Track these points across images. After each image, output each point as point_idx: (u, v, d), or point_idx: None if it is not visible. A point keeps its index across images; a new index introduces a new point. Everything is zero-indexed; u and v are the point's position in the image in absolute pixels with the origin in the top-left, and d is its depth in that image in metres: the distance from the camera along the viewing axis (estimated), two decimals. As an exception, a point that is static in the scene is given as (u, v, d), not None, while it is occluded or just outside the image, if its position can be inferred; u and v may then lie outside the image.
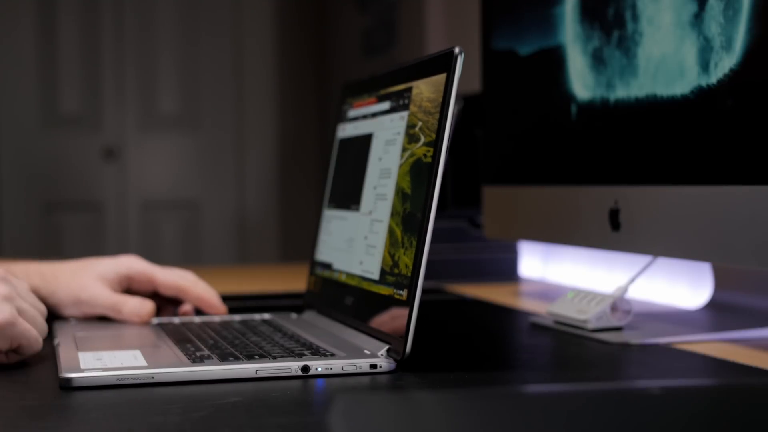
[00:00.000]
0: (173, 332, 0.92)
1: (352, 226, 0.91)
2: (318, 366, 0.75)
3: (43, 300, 1.00)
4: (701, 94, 0.88)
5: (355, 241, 0.90)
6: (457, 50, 0.78)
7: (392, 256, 0.81)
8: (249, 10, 3.91)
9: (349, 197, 0.94)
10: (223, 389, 0.72)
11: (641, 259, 1.04)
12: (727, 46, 0.84)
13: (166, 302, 1.05)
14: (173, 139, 3.88)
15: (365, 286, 0.86)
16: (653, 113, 0.94)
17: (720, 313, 1.03)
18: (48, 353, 0.83)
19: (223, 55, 3.90)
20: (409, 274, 0.77)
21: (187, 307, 1.04)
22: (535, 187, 1.16)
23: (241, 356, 0.78)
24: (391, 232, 0.83)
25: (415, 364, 0.77)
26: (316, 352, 0.79)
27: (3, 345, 0.78)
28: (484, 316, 1.13)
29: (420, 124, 0.82)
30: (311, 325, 0.94)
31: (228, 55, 3.91)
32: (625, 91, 0.98)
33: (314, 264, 1.02)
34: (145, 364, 0.76)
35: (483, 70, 1.28)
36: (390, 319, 0.79)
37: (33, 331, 0.81)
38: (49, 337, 0.91)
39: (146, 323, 0.98)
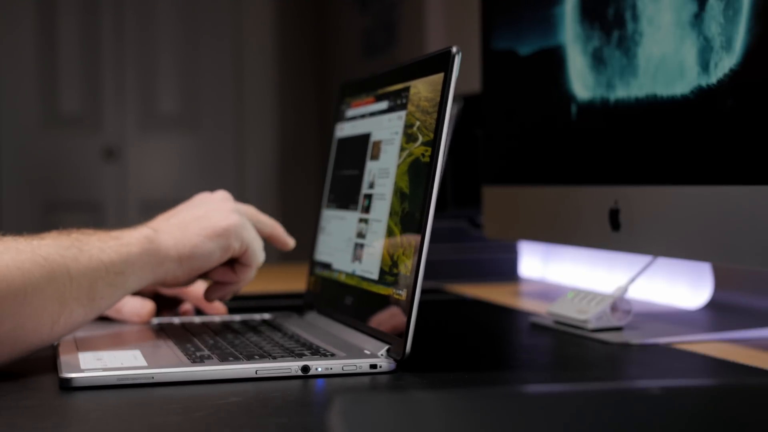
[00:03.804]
0: (173, 332, 0.92)
1: (351, 226, 0.91)
2: (318, 366, 0.75)
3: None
4: (701, 94, 0.88)
5: (353, 240, 0.90)
6: (454, 50, 0.78)
7: (391, 256, 0.81)
8: (249, 10, 3.91)
9: (347, 197, 0.94)
10: (223, 389, 0.72)
11: (641, 259, 1.04)
12: (727, 46, 0.84)
13: (166, 302, 1.05)
14: (173, 139, 3.88)
15: (365, 286, 0.86)
16: (653, 113, 0.94)
17: (720, 313, 1.03)
18: (48, 353, 0.83)
19: (223, 55, 3.90)
20: (409, 274, 0.77)
21: (187, 307, 1.04)
22: (535, 187, 1.16)
23: (241, 356, 0.78)
24: (389, 232, 0.82)
25: (415, 364, 0.77)
26: (316, 352, 0.79)
27: (235, 245, 0.91)
28: (484, 316, 1.13)
29: (418, 123, 0.82)
30: (311, 325, 0.94)
31: (228, 55, 3.91)
32: (625, 91, 0.98)
33: (314, 264, 1.02)
34: (145, 364, 0.76)
35: (483, 70, 1.28)
36: (390, 319, 0.79)
37: (260, 240, 0.95)
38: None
39: (146, 323, 0.98)
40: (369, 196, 0.89)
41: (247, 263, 0.94)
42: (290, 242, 1.01)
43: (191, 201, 0.96)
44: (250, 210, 0.97)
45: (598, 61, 1.02)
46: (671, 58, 0.91)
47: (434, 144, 0.78)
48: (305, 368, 0.75)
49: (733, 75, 0.84)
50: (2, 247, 0.76)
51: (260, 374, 0.75)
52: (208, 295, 0.97)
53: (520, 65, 1.18)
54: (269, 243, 0.99)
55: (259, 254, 0.95)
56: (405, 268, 0.78)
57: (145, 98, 3.86)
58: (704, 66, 0.87)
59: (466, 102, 1.43)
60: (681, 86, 0.90)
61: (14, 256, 0.75)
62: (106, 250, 0.82)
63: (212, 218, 0.91)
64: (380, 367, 0.76)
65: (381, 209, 0.85)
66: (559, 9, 1.09)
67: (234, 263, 0.95)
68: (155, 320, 0.99)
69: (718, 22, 0.85)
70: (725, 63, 0.85)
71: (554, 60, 1.10)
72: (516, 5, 1.20)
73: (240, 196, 4.47)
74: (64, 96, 3.81)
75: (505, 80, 1.23)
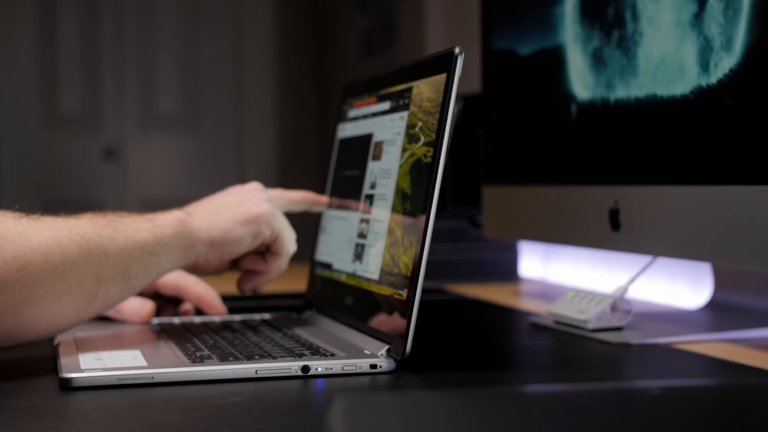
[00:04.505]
0: (173, 332, 0.92)
1: (352, 227, 0.91)
2: (318, 366, 0.75)
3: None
4: (701, 94, 0.88)
5: (354, 241, 0.90)
6: (457, 50, 0.78)
7: (392, 256, 0.81)
8: (249, 10, 3.91)
9: (349, 197, 0.94)
10: (223, 389, 0.72)
11: (641, 259, 1.04)
12: (727, 46, 0.84)
13: (166, 302, 1.05)
14: (173, 139, 3.88)
15: (365, 286, 0.86)
16: (653, 113, 0.94)
17: (720, 313, 1.03)
18: (48, 353, 0.83)
19: (223, 54, 3.90)
20: (409, 274, 0.77)
21: (187, 307, 1.04)
22: (535, 187, 1.16)
23: (241, 356, 0.78)
24: (391, 232, 0.83)
25: (415, 364, 0.77)
26: (316, 352, 0.79)
27: (265, 231, 0.93)
28: (484, 316, 1.13)
29: (420, 124, 0.82)
30: (311, 325, 0.94)
31: (228, 55, 3.91)
32: (625, 91, 0.98)
33: (314, 264, 1.02)
34: (145, 364, 0.76)
35: (483, 70, 1.28)
36: (390, 319, 0.79)
37: (292, 231, 0.96)
38: (49, 338, 0.91)
39: (146, 323, 0.98)
40: (370, 197, 0.89)
41: (277, 251, 0.96)
42: (323, 200, 1.01)
43: (225, 191, 0.98)
44: (279, 193, 0.98)
45: (598, 61, 1.02)
46: (671, 58, 0.91)
47: (436, 144, 0.78)
48: (305, 368, 0.75)
49: (733, 75, 0.84)
50: (41, 225, 0.78)
51: (260, 374, 0.75)
52: (242, 285, 0.98)
53: (520, 65, 1.18)
54: (308, 212, 1.01)
55: (289, 243, 0.96)
56: (406, 268, 0.78)
57: (145, 98, 3.86)
58: (704, 66, 0.87)
59: (466, 102, 1.43)
60: (681, 86, 0.90)
61: (53, 234, 0.78)
62: (141, 231, 0.84)
63: (244, 205, 0.93)
64: (380, 367, 0.76)
65: (382, 209, 0.85)
66: (559, 9, 1.09)
67: (265, 252, 0.96)
68: (155, 320, 0.99)
69: (718, 22, 0.85)
70: (725, 63, 0.85)
71: (554, 60, 1.10)
72: (516, 5, 1.20)
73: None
74: (64, 96, 3.81)
75: (505, 80, 1.23)
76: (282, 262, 0.97)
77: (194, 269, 0.93)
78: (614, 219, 0.99)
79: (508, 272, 1.46)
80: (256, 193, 0.96)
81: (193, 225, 0.89)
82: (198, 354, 0.80)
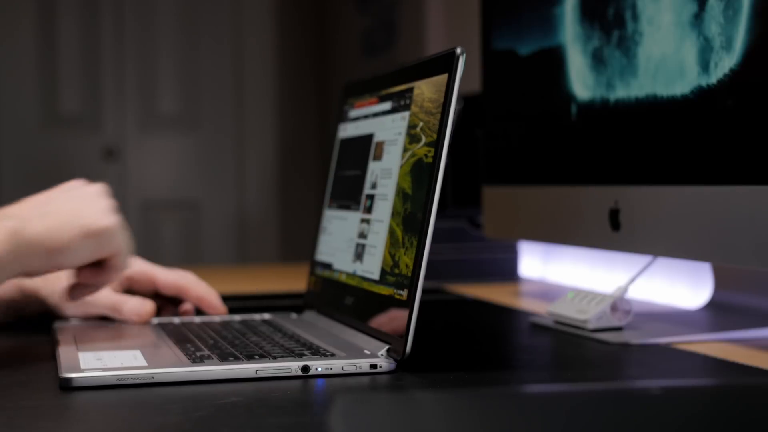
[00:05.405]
0: (173, 332, 0.92)
1: (353, 226, 0.91)
2: (318, 366, 0.75)
3: (43, 300, 1.00)
4: (701, 94, 0.88)
5: (354, 240, 0.90)
6: (458, 51, 0.78)
7: (392, 256, 0.81)
8: (249, 10, 3.91)
9: (349, 197, 0.94)
10: (223, 389, 0.72)
11: (641, 259, 1.04)
12: (727, 46, 0.85)
13: (166, 302, 1.05)
14: (173, 139, 3.88)
15: (365, 286, 0.86)
16: (653, 113, 0.94)
17: (720, 313, 1.03)
18: (48, 353, 0.83)
19: (223, 55, 3.90)
20: (410, 274, 0.77)
21: (187, 307, 1.04)
22: (535, 187, 1.16)
23: (241, 356, 0.78)
24: (391, 233, 0.83)
25: (415, 364, 0.77)
26: (316, 352, 0.79)
27: (106, 249, 0.85)
28: (484, 316, 1.13)
29: (421, 124, 0.82)
30: (311, 325, 0.94)
31: (228, 55, 3.91)
32: (625, 91, 0.98)
33: (314, 264, 1.02)
34: (145, 364, 0.76)
35: (483, 70, 1.28)
36: (390, 319, 0.79)
37: (129, 246, 0.88)
38: (49, 338, 0.91)
39: (146, 323, 0.98)
40: (371, 197, 0.89)
41: (114, 267, 0.88)
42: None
43: (60, 189, 0.89)
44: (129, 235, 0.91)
45: (598, 61, 1.02)
46: (671, 58, 0.91)
47: (437, 145, 0.78)
48: (305, 368, 0.75)
49: (733, 75, 0.84)
50: None
51: (260, 374, 0.75)
52: (72, 296, 0.90)
53: (520, 65, 1.18)
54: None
55: (127, 261, 0.89)
56: (406, 268, 0.78)
57: (145, 98, 3.86)
58: (704, 66, 0.87)
59: (466, 102, 1.43)
60: (681, 86, 0.90)
61: None
62: None
63: (89, 215, 0.84)
64: (380, 367, 0.76)
65: (383, 210, 0.85)
66: (559, 9, 1.09)
67: (99, 264, 0.88)
68: (155, 320, 0.99)
69: (718, 22, 0.85)
70: (725, 63, 0.85)
71: (554, 60, 1.10)
72: (516, 5, 1.20)
73: (240, 197, 4.41)
74: (64, 96, 3.80)
75: (505, 80, 1.23)
76: (115, 277, 0.89)
77: (27, 276, 0.86)
78: (614, 219, 0.99)
79: (508, 272, 1.46)
80: (99, 199, 0.87)
81: (30, 236, 0.81)
82: (198, 354, 0.80)
